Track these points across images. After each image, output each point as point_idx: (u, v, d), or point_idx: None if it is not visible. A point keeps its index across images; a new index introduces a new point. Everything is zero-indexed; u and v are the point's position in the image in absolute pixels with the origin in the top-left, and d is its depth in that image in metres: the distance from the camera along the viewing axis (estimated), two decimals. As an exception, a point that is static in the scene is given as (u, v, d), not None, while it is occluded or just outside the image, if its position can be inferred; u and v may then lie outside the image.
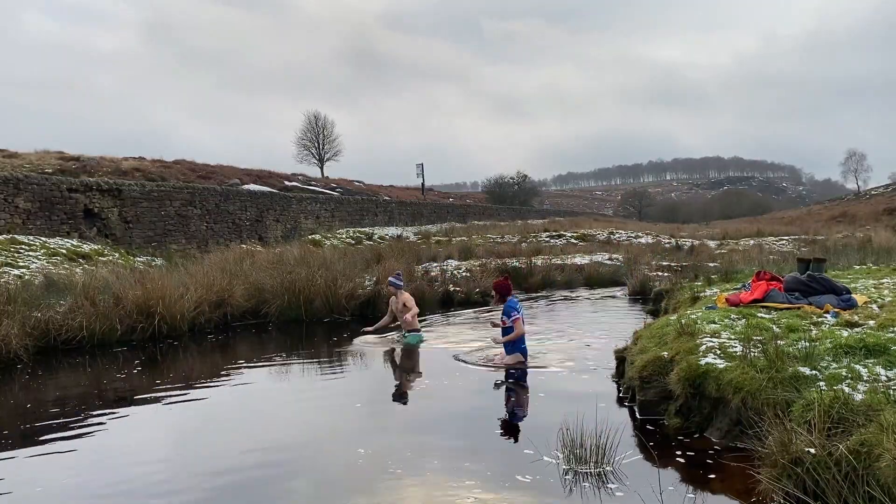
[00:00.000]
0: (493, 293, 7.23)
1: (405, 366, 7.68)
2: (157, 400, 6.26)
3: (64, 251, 16.72)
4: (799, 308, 6.46)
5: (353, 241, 28.91)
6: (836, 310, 6.20)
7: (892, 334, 4.90)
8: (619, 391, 5.94)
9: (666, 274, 14.66)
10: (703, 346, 5.12)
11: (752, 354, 4.64)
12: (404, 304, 8.69)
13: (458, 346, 8.20)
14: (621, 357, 6.34)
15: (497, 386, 6.31)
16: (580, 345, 8.26)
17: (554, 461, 4.16)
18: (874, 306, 6.44)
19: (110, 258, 17.51)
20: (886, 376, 4.09)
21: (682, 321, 5.93)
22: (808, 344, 4.77)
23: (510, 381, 6.43)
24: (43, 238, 17.53)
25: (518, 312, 6.87)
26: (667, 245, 25.12)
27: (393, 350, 8.28)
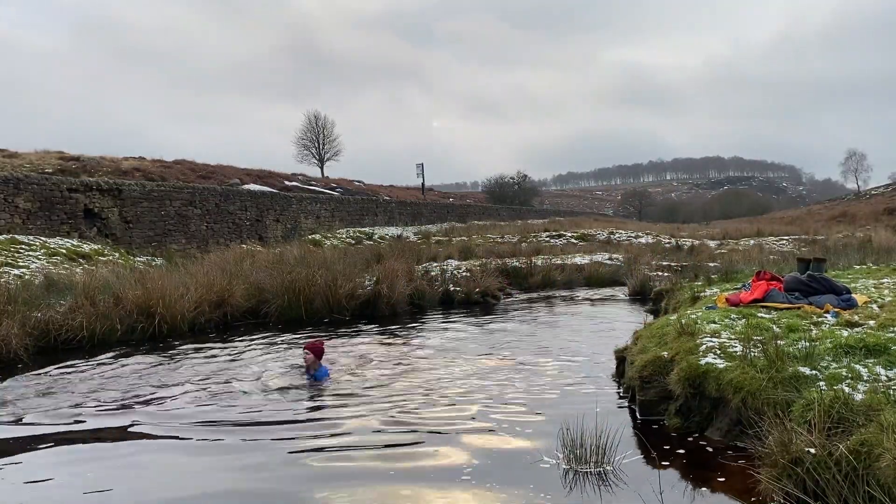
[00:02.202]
0: (308, 352, 6.66)
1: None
2: (156, 399, 6.25)
3: (64, 251, 16.72)
4: (799, 308, 6.46)
5: (353, 241, 28.92)
6: (837, 310, 6.20)
7: (893, 334, 4.90)
8: (619, 391, 5.94)
9: (666, 274, 14.66)
10: (703, 346, 5.12)
11: (752, 354, 4.64)
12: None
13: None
14: (621, 357, 6.35)
15: (493, 384, 6.31)
16: (580, 345, 8.26)
17: (554, 461, 4.16)
18: (874, 306, 6.43)
19: (110, 258, 17.52)
20: (886, 376, 4.09)
21: (682, 321, 5.93)
22: (808, 344, 4.77)
23: None
24: (43, 238, 17.53)
25: (320, 380, 6.52)
26: (667, 245, 25.13)
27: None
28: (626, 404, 5.50)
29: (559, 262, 17.67)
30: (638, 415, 5.16)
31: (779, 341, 4.77)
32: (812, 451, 3.23)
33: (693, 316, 6.38)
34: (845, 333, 5.09)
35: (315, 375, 6.59)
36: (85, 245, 18.21)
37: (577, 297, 13.99)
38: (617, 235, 29.40)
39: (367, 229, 33.76)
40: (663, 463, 4.14)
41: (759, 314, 6.29)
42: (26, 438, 5.06)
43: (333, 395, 6.16)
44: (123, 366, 7.55)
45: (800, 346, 4.71)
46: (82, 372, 7.28)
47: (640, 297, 13.04)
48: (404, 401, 5.80)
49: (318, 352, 6.74)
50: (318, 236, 29.20)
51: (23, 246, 16.06)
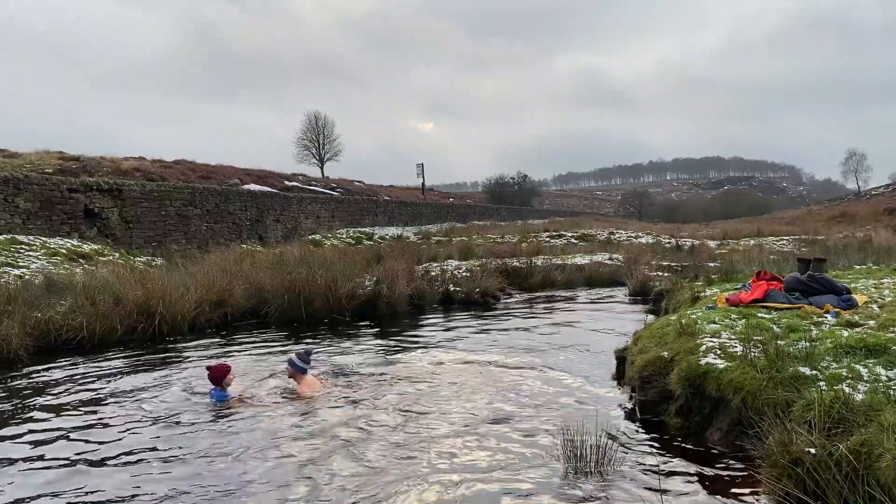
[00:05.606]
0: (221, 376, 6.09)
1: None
2: (155, 399, 6.25)
3: (64, 251, 16.73)
4: (799, 308, 6.46)
5: (353, 241, 28.93)
6: (837, 310, 6.20)
7: (893, 334, 4.90)
8: (619, 391, 5.94)
9: (666, 274, 14.65)
10: (704, 346, 5.12)
11: (753, 354, 4.64)
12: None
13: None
14: (621, 357, 6.35)
15: (492, 384, 6.31)
16: (580, 345, 8.26)
17: (554, 461, 4.16)
18: (874, 306, 6.43)
19: (110, 258, 17.52)
20: (887, 376, 4.09)
21: (683, 321, 5.93)
22: (808, 344, 4.76)
23: None
24: (43, 238, 17.54)
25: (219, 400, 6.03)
26: (667, 245, 25.13)
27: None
28: (627, 404, 5.50)
29: (559, 262, 17.66)
30: (638, 415, 5.16)
31: (779, 341, 4.77)
32: (812, 451, 3.23)
33: (693, 316, 6.38)
34: (845, 333, 5.09)
35: (217, 395, 6.06)
36: (85, 245, 18.22)
37: (578, 297, 13.98)
38: (617, 235, 29.41)
39: (367, 229, 33.78)
40: (663, 463, 4.13)
41: (760, 314, 6.29)
42: None
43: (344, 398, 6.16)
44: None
45: (800, 347, 4.71)
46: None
47: (641, 297, 13.03)
48: (402, 397, 5.80)
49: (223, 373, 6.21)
50: (318, 236, 29.21)
51: (23, 246, 16.06)
